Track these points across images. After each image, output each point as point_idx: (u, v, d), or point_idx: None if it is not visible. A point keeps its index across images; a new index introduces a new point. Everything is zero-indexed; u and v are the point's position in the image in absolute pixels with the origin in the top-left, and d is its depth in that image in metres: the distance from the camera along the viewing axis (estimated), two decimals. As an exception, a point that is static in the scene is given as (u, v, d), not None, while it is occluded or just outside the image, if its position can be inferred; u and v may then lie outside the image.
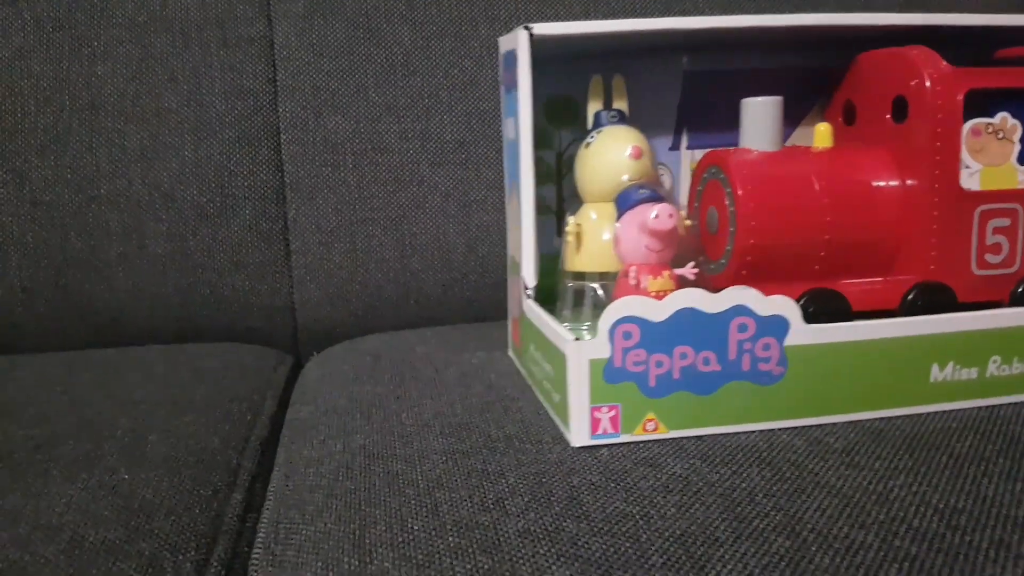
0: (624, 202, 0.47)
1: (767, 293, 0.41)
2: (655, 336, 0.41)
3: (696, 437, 0.43)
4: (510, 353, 0.59)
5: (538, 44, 0.47)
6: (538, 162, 0.54)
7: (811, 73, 0.54)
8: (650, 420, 0.42)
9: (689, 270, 0.46)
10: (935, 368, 0.44)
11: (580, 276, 0.51)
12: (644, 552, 0.35)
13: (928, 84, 0.46)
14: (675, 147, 0.57)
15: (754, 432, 0.44)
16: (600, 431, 0.42)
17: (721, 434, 0.43)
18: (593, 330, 0.42)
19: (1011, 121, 0.48)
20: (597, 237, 0.50)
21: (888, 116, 0.49)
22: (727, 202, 0.47)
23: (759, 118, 0.48)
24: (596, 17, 0.71)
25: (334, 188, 0.71)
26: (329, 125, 0.71)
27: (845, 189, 0.47)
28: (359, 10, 0.71)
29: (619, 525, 0.36)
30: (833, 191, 0.46)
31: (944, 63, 0.47)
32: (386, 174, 0.71)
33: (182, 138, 0.69)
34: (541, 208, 0.55)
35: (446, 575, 0.34)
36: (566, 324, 0.49)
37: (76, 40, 0.68)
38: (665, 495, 0.38)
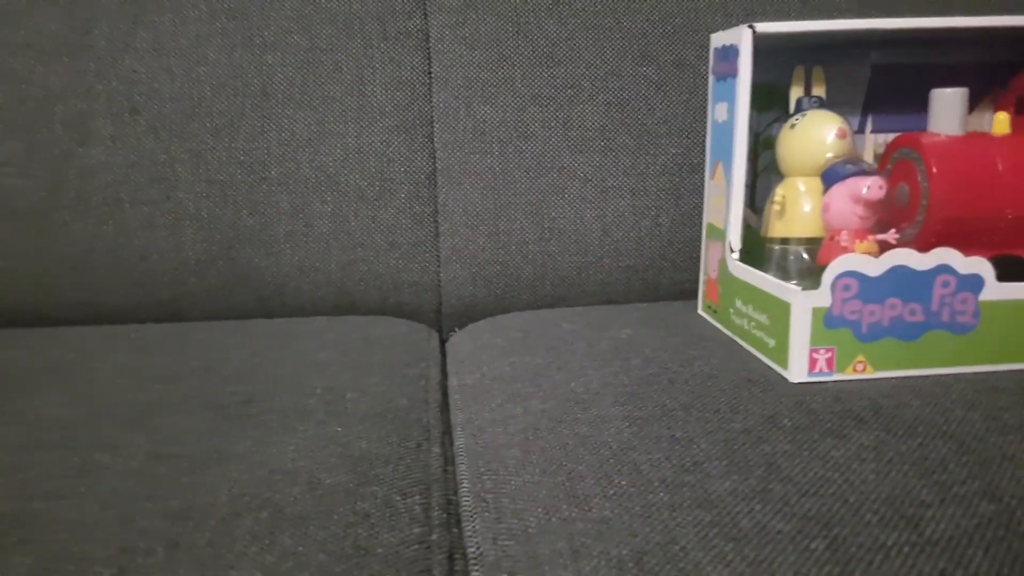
0: (834, 176, 0.48)
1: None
2: (870, 289, 0.43)
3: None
4: (700, 311, 0.60)
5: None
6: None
7: (980, 68, 0.55)
8: (860, 362, 0.45)
9: (891, 235, 0.48)
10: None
11: (784, 241, 0.52)
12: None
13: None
14: (860, 131, 0.58)
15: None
16: (817, 369, 0.45)
17: (920, 376, 0.45)
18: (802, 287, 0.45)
19: None
20: (801, 207, 0.52)
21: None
22: (919, 179, 0.49)
23: (947, 106, 0.50)
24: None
25: (481, 174, 0.68)
26: (478, 114, 0.68)
27: (1025, 168, 0.48)
28: (509, 4, 0.68)
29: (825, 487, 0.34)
30: (1015, 170, 0.47)
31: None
32: (529, 160, 0.68)
33: (346, 125, 0.67)
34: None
35: (669, 525, 0.32)
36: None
37: (248, 30, 0.67)
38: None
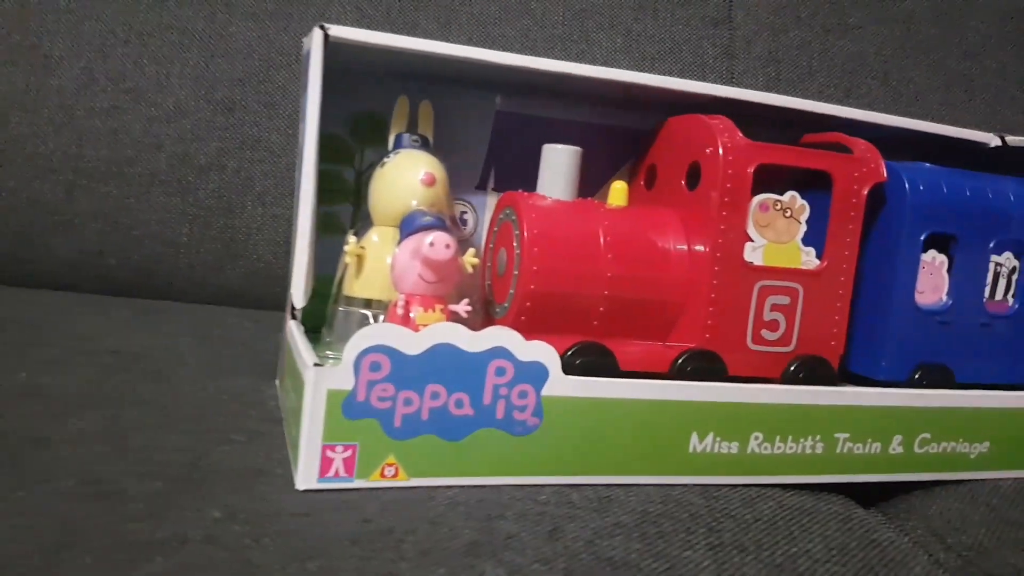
0: (406, 227, 0.39)
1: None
2: (407, 371, 0.34)
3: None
4: (276, 382, 0.47)
5: (349, 53, 0.40)
6: (336, 178, 0.48)
7: (628, 133, 0.49)
8: (390, 465, 0.35)
9: (463, 307, 0.39)
10: (695, 437, 0.38)
11: (350, 301, 0.43)
12: None
13: (721, 152, 0.41)
14: (482, 186, 0.50)
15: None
16: (331, 473, 0.34)
17: (469, 485, 0.36)
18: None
19: (800, 201, 0.43)
20: (379, 262, 0.42)
21: (683, 182, 0.44)
22: (515, 245, 0.41)
23: (558, 165, 0.43)
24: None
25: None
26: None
27: (630, 248, 0.42)
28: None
29: None
30: (618, 248, 0.41)
31: (740, 135, 0.42)
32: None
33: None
34: (334, 227, 0.48)
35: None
36: (328, 353, 0.41)
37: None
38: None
